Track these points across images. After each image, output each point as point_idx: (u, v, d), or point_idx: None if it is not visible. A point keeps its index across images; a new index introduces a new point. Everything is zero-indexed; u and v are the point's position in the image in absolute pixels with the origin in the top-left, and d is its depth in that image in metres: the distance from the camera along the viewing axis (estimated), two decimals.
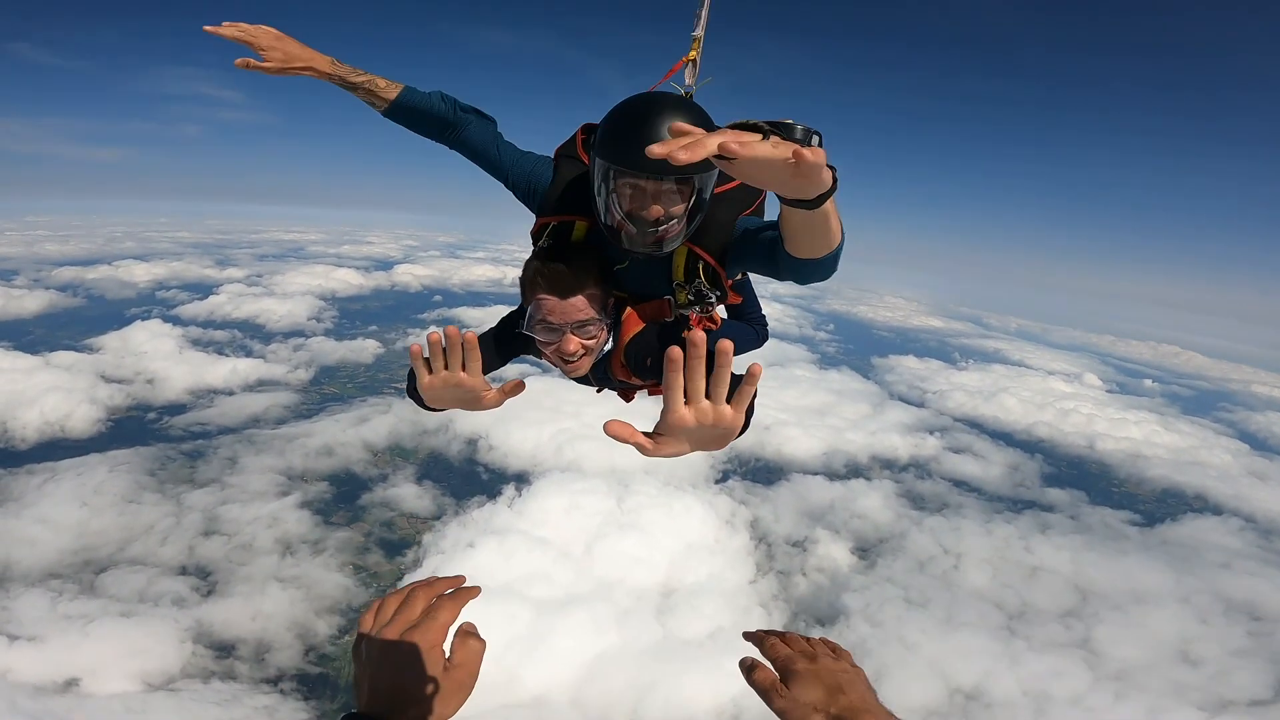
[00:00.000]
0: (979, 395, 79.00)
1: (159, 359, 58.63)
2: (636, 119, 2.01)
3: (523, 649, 28.75)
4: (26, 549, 32.01)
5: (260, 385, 57.85)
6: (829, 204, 1.50)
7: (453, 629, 1.29)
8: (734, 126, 1.26)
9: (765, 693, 1.32)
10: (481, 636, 1.31)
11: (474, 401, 1.88)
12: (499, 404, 1.90)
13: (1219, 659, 33.41)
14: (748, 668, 1.39)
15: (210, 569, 32.71)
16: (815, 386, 71.98)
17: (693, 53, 2.86)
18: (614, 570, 35.25)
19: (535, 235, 2.54)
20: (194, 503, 37.00)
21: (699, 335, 1.32)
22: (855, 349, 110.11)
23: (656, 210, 2.10)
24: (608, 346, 2.61)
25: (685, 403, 1.41)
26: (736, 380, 1.41)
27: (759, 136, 1.21)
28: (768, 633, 1.50)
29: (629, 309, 2.58)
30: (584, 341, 2.38)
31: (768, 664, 1.38)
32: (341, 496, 40.24)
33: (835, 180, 1.43)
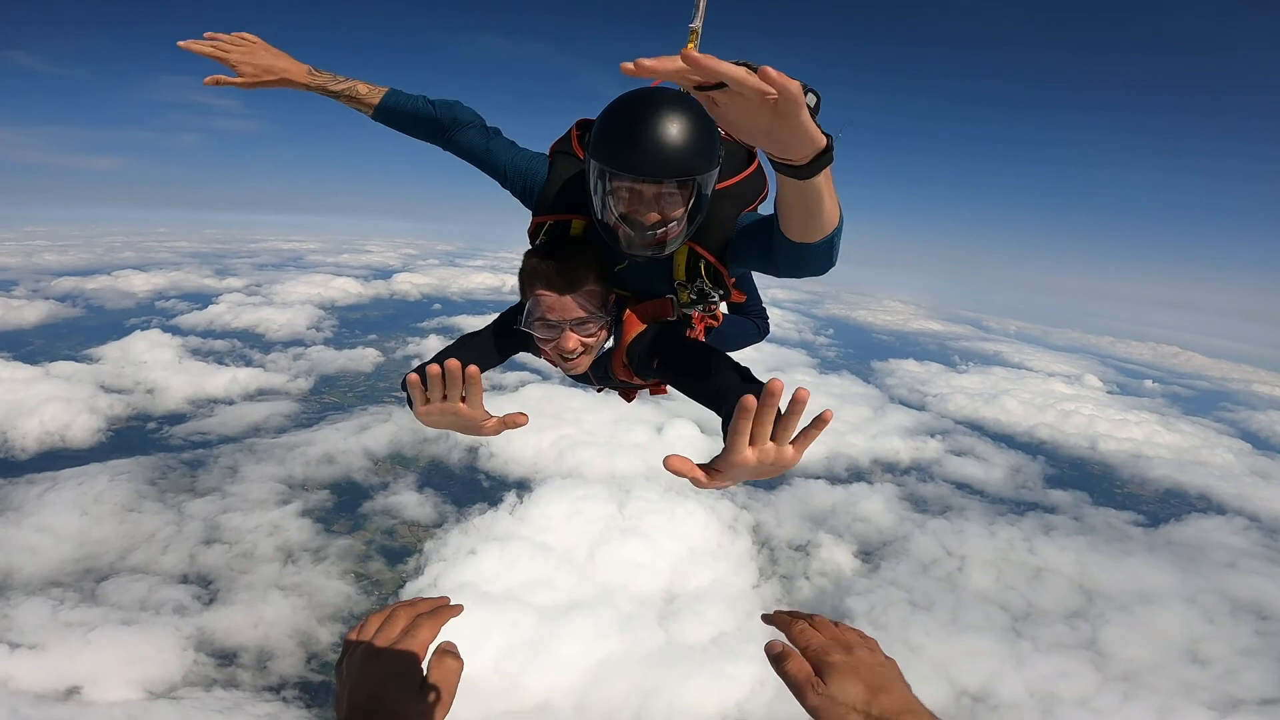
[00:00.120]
0: (980, 398, 78.92)
1: (158, 369, 58.52)
2: (634, 118, 1.91)
3: (525, 655, 28.63)
4: (27, 557, 31.89)
5: (260, 394, 57.78)
6: (824, 177, 1.42)
7: (432, 647, 1.28)
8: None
9: (798, 687, 1.22)
10: (460, 656, 1.30)
11: (473, 430, 1.85)
12: (498, 433, 1.85)
13: (1227, 658, 33.26)
14: (777, 655, 1.29)
15: (211, 577, 32.59)
16: (815, 391, 69.34)
17: (690, 45, 2.83)
18: (616, 576, 35.12)
19: (532, 234, 2.49)
20: (195, 511, 36.89)
21: (777, 385, 1.33)
22: (855, 353, 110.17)
23: (654, 216, 2.04)
24: (608, 345, 2.56)
25: (750, 443, 1.42)
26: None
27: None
28: (793, 615, 1.40)
29: (630, 308, 2.52)
30: (583, 339, 2.33)
31: (798, 653, 1.28)
32: (342, 505, 40.12)
33: (831, 150, 1.35)
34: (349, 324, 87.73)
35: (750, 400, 1.35)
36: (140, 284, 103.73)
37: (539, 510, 39.56)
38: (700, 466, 1.52)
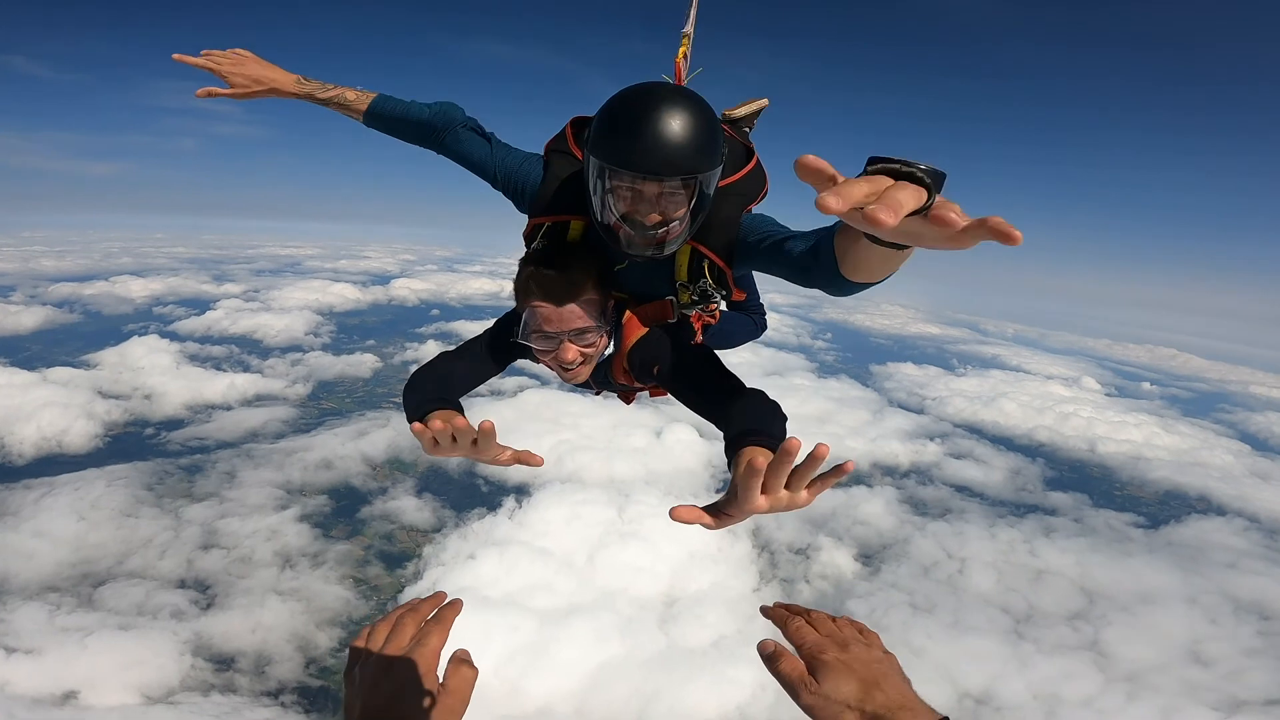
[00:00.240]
0: (978, 401, 78.99)
1: (156, 374, 58.37)
2: (636, 114, 1.86)
3: (525, 660, 28.49)
4: (24, 562, 31.72)
5: (258, 400, 57.66)
6: None
7: (445, 653, 1.29)
8: (870, 161, 1.02)
9: (791, 686, 1.21)
10: (474, 664, 1.33)
11: (485, 461, 1.77)
12: (510, 465, 1.77)
13: (1231, 659, 33.22)
14: (769, 655, 1.28)
15: (209, 582, 32.41)
16: (814, 394, 71.96)
17: (684, 48, 2.80)
18: (616, 580, 35.01)
19: (528, 237, 2.44)
20: (192, 516, 36.70)
21: (794, 444, 1.27)
22: (853, 357, 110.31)
23: (655, 216, 1.99)
24: (608, 351, 2.51)
25: (763, 491, 1.37)
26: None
27: (890, 181, 0.96)
28: (789, 609, 1.40)
29: (629, 312, 2.47)
30: (583, 349, 2.27)
31: (793, 651, 1.27)
32: (341, 510, 39.97)
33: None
34: (347, 330, 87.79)
35: (760, 462, 1.31)
36: (138, 290, 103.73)
37: (538, 515, 39.46)
38: (707, 509, 1.49)
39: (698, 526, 1.53)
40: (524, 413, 52.91)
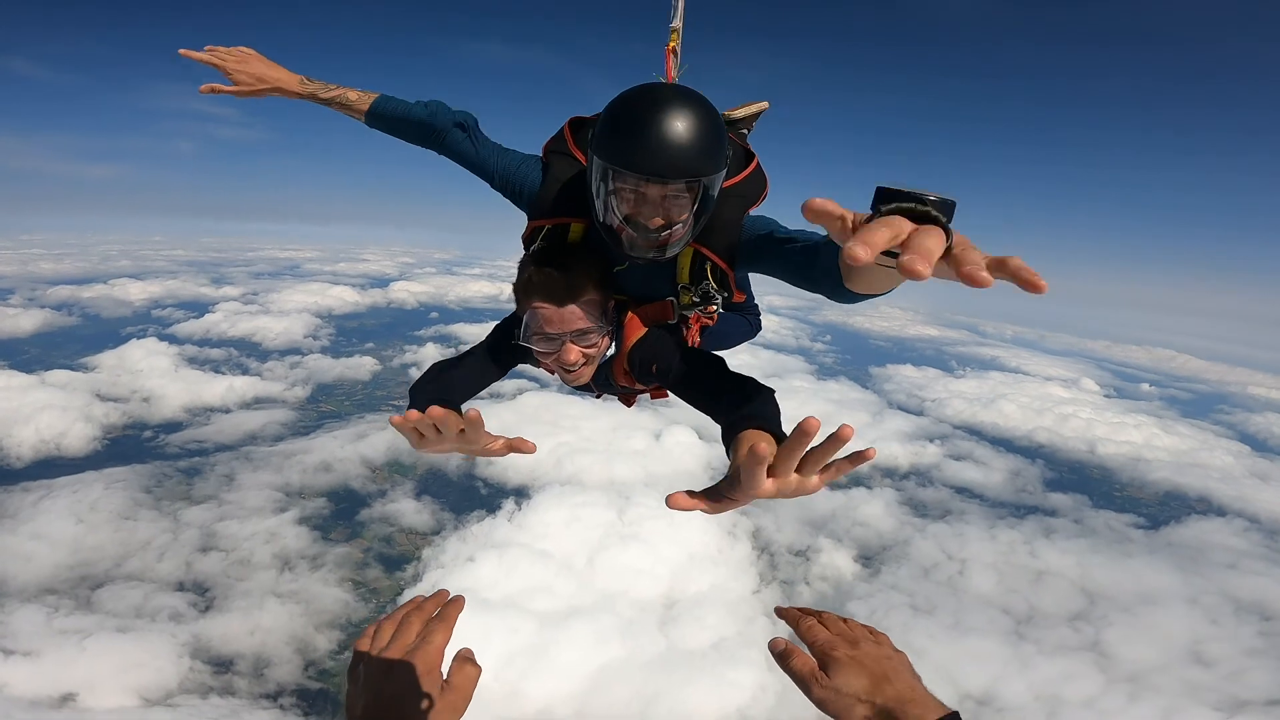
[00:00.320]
0: (977, 402, 79.07)
1: (155, 377, 58.40)
2: (640, 115, 1.83)
3: (525, 662, 28.45)
4: (22, 564, 31.71)
5: (257, 403, 57.71)
6: None
7: (449, 650, 1.30)
8: (881, 196, 1.01)
9: (803, 681, 1.25)
10: (478, 663, 1.35)
11: (477, 453, 1.70)
12: (505, 454, 1.71)
13: (1232, 659, 33.24)
14: (781, 652, 1.31)
15: (208, 584, 32.37)
16: (814, 396, 71.99)
17: (672, 43, 2.76)
18: (616, 582, 35.00)
19: (527, 240, 2.42)
20: (191, 519, 36.68)
21: (813, 424, 1.18)
22: (852, 359, 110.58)
23: (659, 220, 1.97)
24: (610, 352, 2.49)
25: (770, 474, 1.29)
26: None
27: (910, 225, 0.94)
28: (803, 611, 1.42)
29: (630, 312, 2.44)
30: (585, 350, 2.25)
31: (804, 648, 1.31)
32: (340, 512, 39.94)
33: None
34: (346, 332, 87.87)
35: (763, 448, 1.21)
36: (136, 292, 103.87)
37: (538, 517, 39.42)
38: (705, 494, 1.41)
39: (696, 514, 1.46)
40: (523, 415, 52.92)
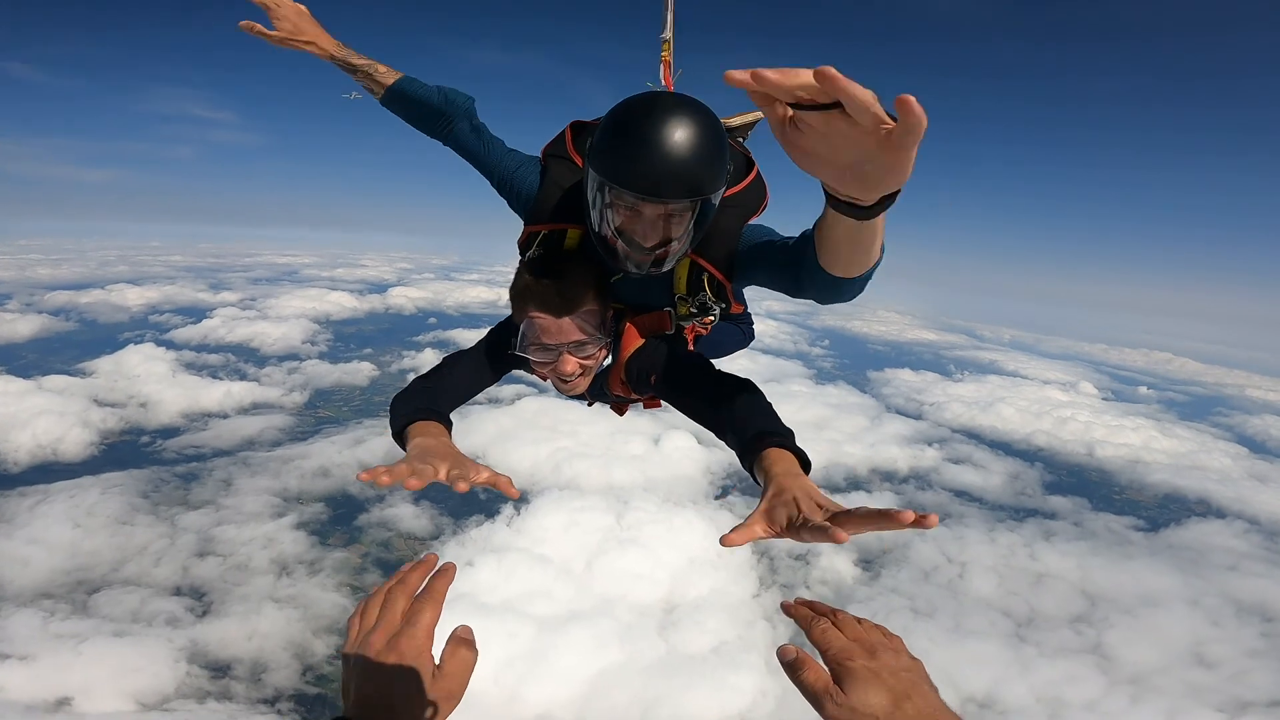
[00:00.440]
0: (976, 406, 79.20)
1: (152, 382, 58.23)
2: (640, 130, 1.76)
3: (524, 667, 28.32)
4: (18, 569, 31.58)
5: (255, 408, 57.62)
6: (881, 216, 1.30)
7: (440, 631, 1.23)
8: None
9: (815, 697, 1.13)
10: (475, 647, 1.28)
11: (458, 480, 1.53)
12: (485, 485, 1.55)
13: (1234, 660, 33.27)
14: (791, 662, 1.19)
15: (205, 589, 32.22)
16: (812, 401, 72.05)
17: (665, 54, 2.77)
18: (615, 586, 34.88)
19: (523, 244, 2.38)
20: (188, 524, 36.54)
21: (907, 517, 1.12)
22: (851, 363, 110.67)
23: (654, 239, 1.93)
24: (606, 362, 2.46)
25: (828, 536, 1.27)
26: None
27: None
28: (813, 608, 1.30)
29: (628, 322, 2.42)
30: (582, 361, 2.22)
31: (816, 658, 1.19)
32: (338, 518, 39.83)
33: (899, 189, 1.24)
34: (344, 338, 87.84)
35: (841, 537, 1.20)
36: (134, 298, 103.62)
37: (536, 522, 39.31)
38: (755, 526, 1.45)
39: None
40: (521, 420, 52.86)
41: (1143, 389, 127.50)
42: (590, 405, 2.93)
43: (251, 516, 38.00)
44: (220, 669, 28.13)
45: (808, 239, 1.70)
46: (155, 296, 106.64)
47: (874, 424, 67.29)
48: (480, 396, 2.39)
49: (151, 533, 35.63)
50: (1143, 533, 48.68)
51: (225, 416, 54.85)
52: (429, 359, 72.43)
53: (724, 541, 1.36)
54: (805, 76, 0.90)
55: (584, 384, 2.32)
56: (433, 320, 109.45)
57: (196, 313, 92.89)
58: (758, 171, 2.30)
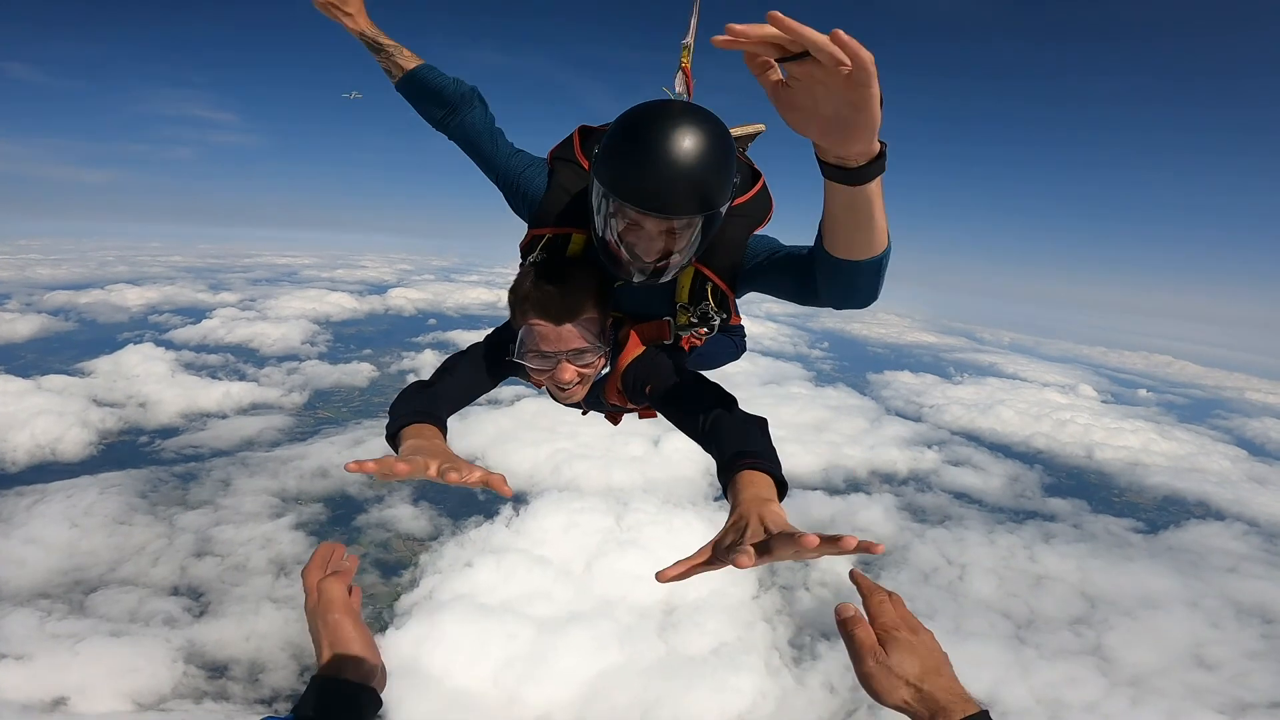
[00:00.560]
0: (975, 408, 79.28)
1: (151, 382, 58.26)
2: (647, 142, 1.71)
3: (524, 668, 28.36)
4: (15, 569, 31.54)
5: (254, 408, 57.65)
6: (876, 186, 1.36)
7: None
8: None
9: (859, 652, 1.33)
10: (334, 574, 1.63)
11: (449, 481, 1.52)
12: (478, 486, 1.51)
13: (1234, 662, 33.32)
14: (850, 617, 1.40)
15: (203, 589, 32.18)
16: (811, 403, 72.10)
17: (685, 60, 2.72)
18: (615, 588, 34.82)
19: (525, 248, 2.36)
20: (186, 524, 36.50)
21: (849, 543, 1.11)
22: (850, 365, 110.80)
23: (656, 252, 1.91)
24: (604, 371, 2.43)
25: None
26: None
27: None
28: (876, 585, 1.49)
29: (628, 329, 2.40)
30: (580, 369, 2.19)
31: (867, 621, 1.39)
32: (337, 518, 39.79)
33: (884, 157, 1.31)
34: (344, 339, 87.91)
35: (811, 541, 1.16)
36: (133, 298, 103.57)
37: (536, 523, 39.32)
38: (702, 554, 1.47)
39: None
40: (521, 421, 52.82)
41: (1142, 391, 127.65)
42: (585, 414, 2.92)
43: (250, 517, 37.98)
44: (217, 669, 28.11)
45: (816, 239, 1.71)
46: (155, 297, 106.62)
47: (873, 426, 67.40)
48: (480, 398, 2.37)
49: (149, 533, 35.62)
50: (1142, 535, 48.75)
51: (224, 417, 54.89)
52: (428, 360, 72.48)
53: (659, 577, 1.38)
54: (766, 29, 1.02)
55: (581, 392, 2.29)
56: (432, 321, 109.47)
57: (196, 313, 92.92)
58: (764, 182, 2.27)
